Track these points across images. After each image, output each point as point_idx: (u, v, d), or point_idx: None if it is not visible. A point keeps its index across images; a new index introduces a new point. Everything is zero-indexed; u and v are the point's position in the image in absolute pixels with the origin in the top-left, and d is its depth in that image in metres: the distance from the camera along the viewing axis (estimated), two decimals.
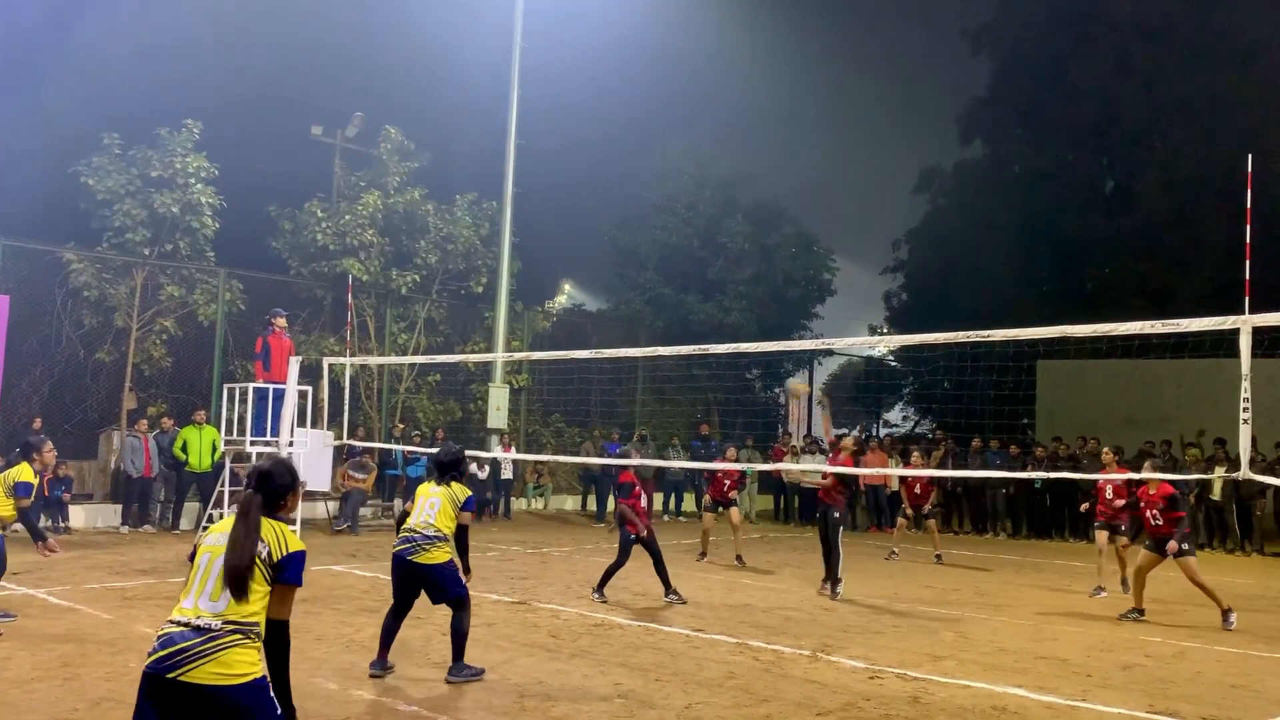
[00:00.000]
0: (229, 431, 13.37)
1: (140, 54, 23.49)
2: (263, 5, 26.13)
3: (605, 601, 10.17)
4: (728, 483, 14.11)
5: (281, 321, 13.83)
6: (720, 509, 14.18)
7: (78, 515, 15.12)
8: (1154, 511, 10.18)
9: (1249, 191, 7.83)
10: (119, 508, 15.32)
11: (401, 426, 19.07)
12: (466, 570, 7.03)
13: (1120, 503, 11.68)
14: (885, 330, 32.62)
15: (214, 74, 24.47)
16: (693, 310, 25.89)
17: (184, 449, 15.39)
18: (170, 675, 3.38)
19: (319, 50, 27.26)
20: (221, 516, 13.23)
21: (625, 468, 10.82)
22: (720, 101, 34.20)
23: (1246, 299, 7.55)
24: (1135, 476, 10.67)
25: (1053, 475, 14.83)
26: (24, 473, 7.86)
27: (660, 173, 28.02)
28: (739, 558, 13.67)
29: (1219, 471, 15.38)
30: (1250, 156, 7.92)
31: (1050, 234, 28.62)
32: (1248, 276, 7.51)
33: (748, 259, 26.72)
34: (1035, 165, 30.27)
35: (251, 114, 23.40)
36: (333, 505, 16.70)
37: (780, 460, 20.14)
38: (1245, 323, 7.54)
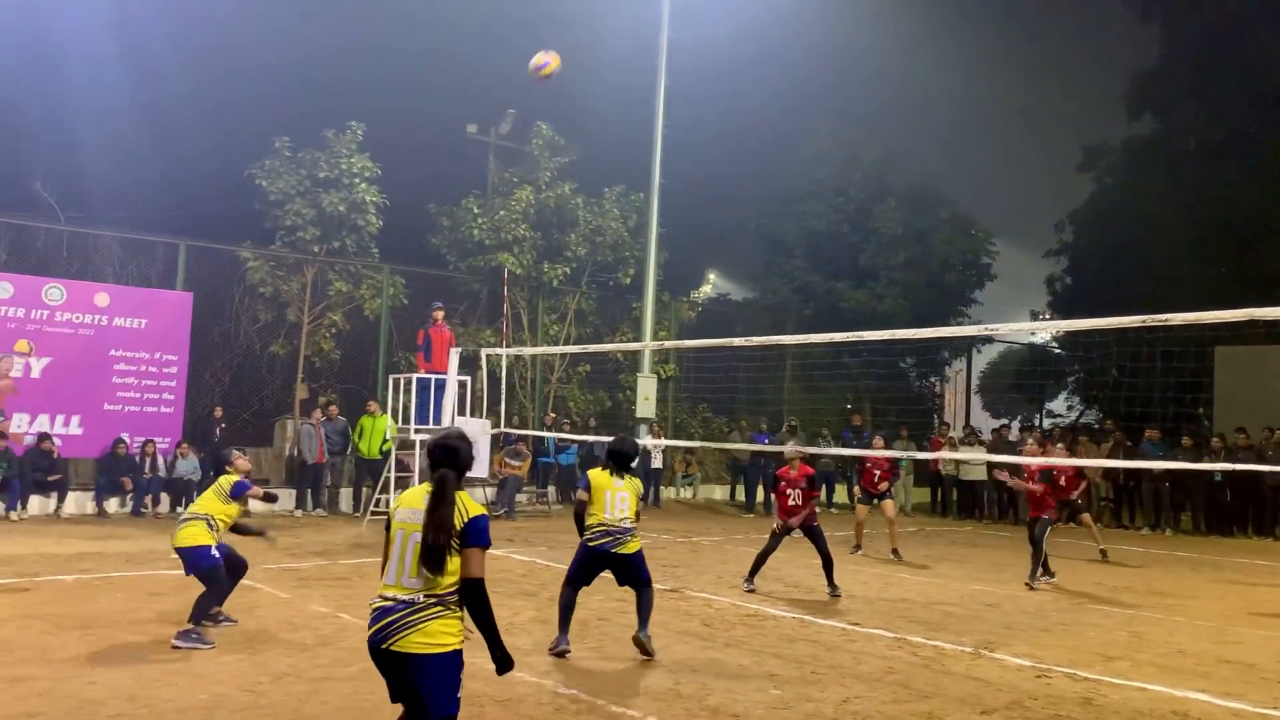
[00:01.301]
0: (394, 420, 13.94)
1: (305, 60, 24.68)
2: (418, 11, 27.03)
3: (753, 590, 10.15)
4: (878, 473, 13.69)
5: (440, 314, 14.32)
6: (874, 501, 13.80)
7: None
8: None
9: None
10: (293, 492, 16.18)
11: (554, 416, 19.46)
12: None
13: None
14: (1048, 316, 31.23)
15: (374, 78, 25.47)
16: (843, 297, 25.43)
17: (360, 435, 16.10)
18: (384, 646, 3.71)
19: (472, 51, 28.00)
20: (388, 502, 13.84)
21: (782, 461, 10.78)
22: (869, 84, 33.42)
23: None
24: None
25: (1234, 466, 13.86)
26: (236, 478, 7.89)
27: (808, 158, 27.61)
28: (895, 551, 13.32)
29: None
30: None
31: (1228, 213, 26.76)
32: None
33: (901, 244, 26.03)
34: (1211, 139, 28.34)
35: (410, 115, 24.24)
36: (490, 491, 17.19)
37: (938, 451, 19.59)
38: None
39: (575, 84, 27.99)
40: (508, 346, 16.96)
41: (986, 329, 17.29)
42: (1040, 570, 11.47)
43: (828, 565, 10.19)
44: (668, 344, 18.37)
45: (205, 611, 7.31)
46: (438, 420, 13.47)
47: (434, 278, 19.56)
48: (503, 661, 3.85)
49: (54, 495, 14.38)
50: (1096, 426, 23.70)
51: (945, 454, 18.76)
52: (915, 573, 12.23)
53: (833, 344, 15.69)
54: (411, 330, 16.99)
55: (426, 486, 3.87)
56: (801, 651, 7.61)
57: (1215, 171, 27.52)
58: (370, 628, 3.79)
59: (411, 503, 3.90)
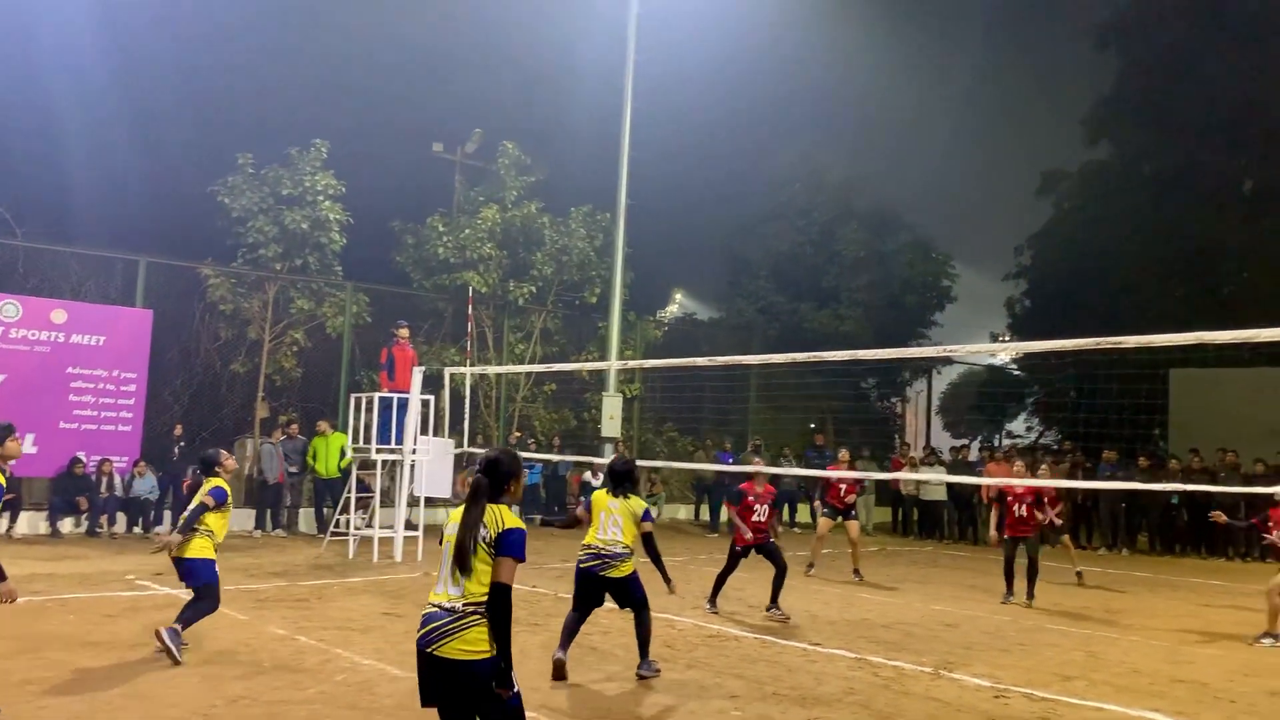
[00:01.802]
0: (355, 439, 13.83)
1: (270, 77, 24.56)
2: (383, 28, 27.01)
3: (716, 612, 10.15)
4: (844, 487, 13.65)
5: (404, 333, 14.24)
6: (839, 518, 13.70)
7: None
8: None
9: None
10: (253, 512, 15.99)
11: (519, 434, 19.41)
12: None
13: None
14: (1007, 337, 31.63)
15: (340, 95, 25.38)
16: (806, 318, 25.63)
17: (314, 456, 16.04)
18: (429, 650, 3.94)
19: (439, 69, 27.99)
20: (348, 522, 13.71)
21: (745, 476, 10.73)
22: (833, 108, 33.80)
23: None
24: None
25: (1191, 487, 14.07)
26: (218, 482, 7.78)
27: (773, 181, 27.88)
28: (856, 572, 13.32)
29: None
30: None
31: (1184, 238, 27.31)
32: None
33: (863, 266, 26.32)
34: (1167, 166, 28.93)
35: (376, 133, 24.20)
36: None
37: (899, 471, 19.75)
38: None
39: (542, 104, 28.10)
40: (472, 365, 16.89)
41: (945, 350, 17.49)
42: (1007, 589, 11.71)
43: (780, 580, 10.05)
44: (632, 363, 18.39)
45: (197, 618, 7.40)
46: (399, 440, 13.38)
47: (398, 296, 19.48)
48: (503, 678, 3.92)
49: (5, 515, 14.11)
50: (1055, 447, 24.01)
51: (906, 475, 18.89)
52: (876, 593, 12.31)
53: (796, 364, 15.76)
54: (374, 348, 16.89)
55: None
56: (762, 672, 7.63)
57: (1170, 197, 28.08)
58: (418, 631, 4.01)
59: (458, 517, 4.10)
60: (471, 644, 3.90)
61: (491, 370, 18.60)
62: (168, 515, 15.19)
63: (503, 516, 4.05)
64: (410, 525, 13.87)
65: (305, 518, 16.61)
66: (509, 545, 3.98)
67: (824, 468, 15.58)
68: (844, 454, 14.19)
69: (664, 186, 28.43)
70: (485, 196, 20.90)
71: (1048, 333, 26.44)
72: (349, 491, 13.74)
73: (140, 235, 18.61)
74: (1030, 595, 11.60)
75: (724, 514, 19.23)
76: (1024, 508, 11.76)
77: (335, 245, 17.95)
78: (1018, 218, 32.92)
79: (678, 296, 34.95)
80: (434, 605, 4.01)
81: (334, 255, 18.04)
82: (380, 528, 13.29)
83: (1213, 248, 27.16)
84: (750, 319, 25.64)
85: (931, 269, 27.68)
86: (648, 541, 7.41)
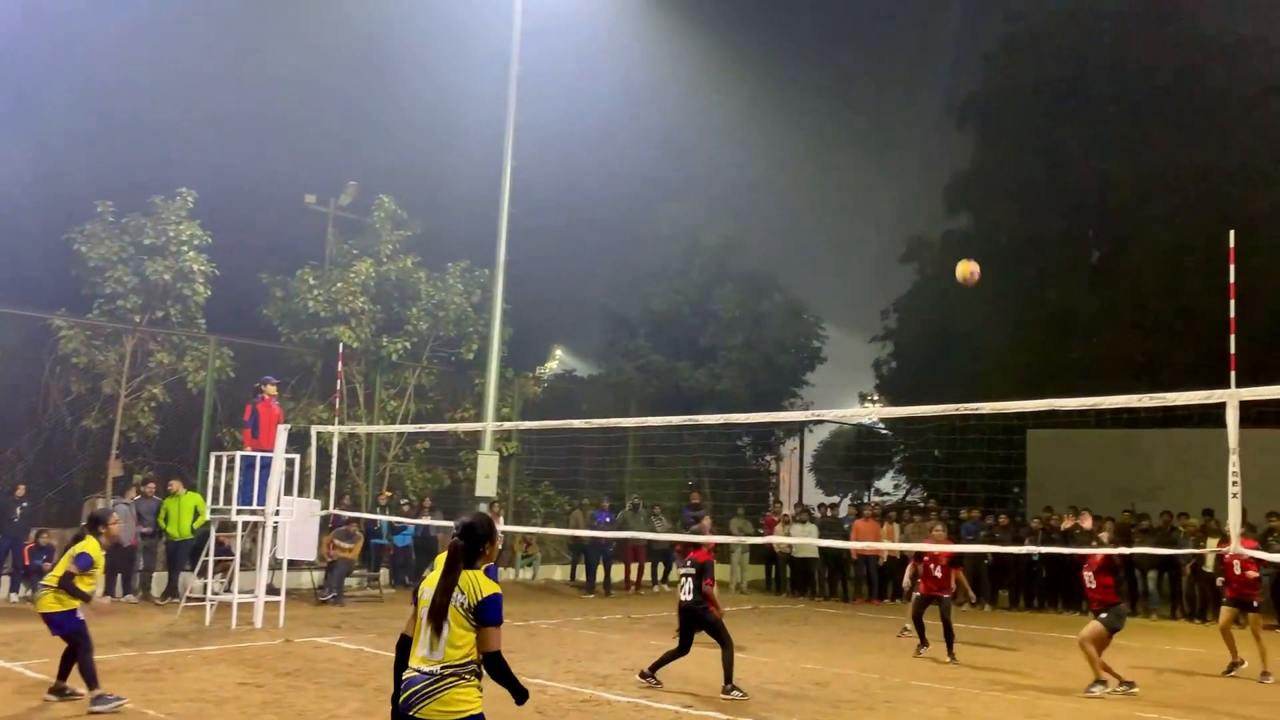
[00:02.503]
0: (215, 500, 13.24)
1: (136, 123, 23.74)
2: (258, 75, 26.50)
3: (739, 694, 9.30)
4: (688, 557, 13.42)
5: (271, 389, 13.77)
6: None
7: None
8: (1090, 574, 10.26)
9: (1231, 267, 7.91)
10: (102, 577, 15.08)
11: (389, 494, 18.93)
12: (521, 694, 7.08)
13: (1254, 575, 11.62)
14: (875, 398, 32.64)
15: (209, 142, 24.69)
16: (684, 377, 25.92)
17: (165, 518, 15.31)
18: (410, 713, 4.11)
19: (314, 119, 27.58)
20: (205, 587, 13.07)
21: (697, 545, 10.10)
22: (711, 171, 34.65)
23: (1233, 373, 7.60)
24: (1124, 551, 10.63)
25: (1051, 549, 14.71)
26: (89, 545, 7.98)
27: (652, 241, 28.28)
28: None
29: (1211, 544, 15.29)
30: (1232, 233, 8.02)
31: (1038, 305, 28.81)
32: (1233, 351, 7.57)
33: (739, 326, 26.85)
34: (1022, 236, 30.56)
35: (246, 183, 23.55)
36: (318, 575, 16.49)
37: (771, 529, 19.98)
38: (1232, 396, 7.57)
39: (421, 158, 27.93)
40: (341, 423, 16.45)
41: (814, 414, 18.01)
42: (920, 641, 12.28)
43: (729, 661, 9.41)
44: (507, 425, 18.25)
45: (93, 670, 7.65)
46: (262, 501, 12.87)
47: (264, 350, 18.88)
48: (520, 693, 4.30)
49: None
50: (921, 505, 24.73)
51: (775, 538, 19.13)
52: (749, 652, 12.33)
53: (673, 426, 15.95)
54: (238, 404, 16.27)
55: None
56: None
57: (1026, 266, 29.63)
58: (400, 695, 4.19)
59: (433, 583, 4.23)
60: (450, 705, 4.08)
61: (361, 429, 18.15)
62: (6, 580, 14.23)
63: (480, 583, 4.18)
64: (272, 590, 13.31)
65: (159, 582, 15.77)
66: (490, 613, 4.16)
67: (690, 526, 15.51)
68: (705, 521, 13.85)
69: (544, 243, 28.49)
70: (359, 250, 20.53)
71: (912, 393, 27.45)
72: (207, 554, 13.12)
73: None
74: (950, 655, 11.90)
75: (597, 573, 19.08)
76: (939, 568, 12.18)
77: (199, 297, 17.35)
78: (885, 282, 34.23)
79: (558, 353, 34.93)
80: (414, 669, 4.16)
81: (197, 307, 17.42)
82: (240, 592, 12.71)
83: (1064, 315, 28.70)
84: (629, 376, 25.79)
85: (803, 330, 28.44)
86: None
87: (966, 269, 11.41)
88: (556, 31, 22.22)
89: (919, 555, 12.75)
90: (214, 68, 26.17)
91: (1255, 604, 11.86)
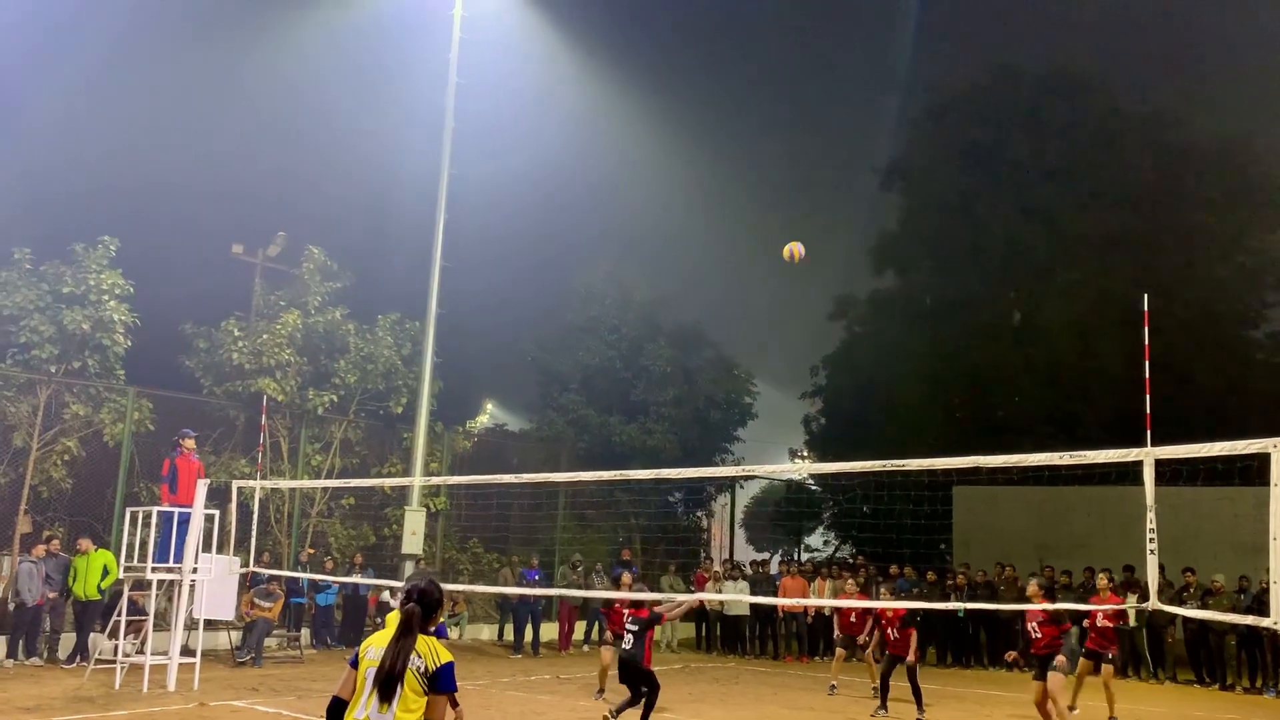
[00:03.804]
0: (130, 557, 12.76)
1: (57, 167, 23.26)
2: (184, 122, 26.21)
3: None
4: (626, 613, 13.31)
5: (190, 443, 13.39)
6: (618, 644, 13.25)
7: None
8: (1034, 624, 10.50)
9: (1145, 329, 8.18)
10: (4, 639, 14.41)
11: (311, 552, 18.45)
12: None
13: (1111, 628, 12.10)
14: (805, 453, 32.90)
15: (134, 190, 24.27)
16: (615, 432, 25.87)
17: (74, 577, 14.69)
18: None
19: (242, 169, 27.30)
20: (117, 648, 12.54)
21: (640, 603, 11.11)
22: (642, 228, 35.11)
23: (1148, 432, 7.82)
24: (1050, 607, 10.82)
25: (978, 606, 14.93)
26: None
27: (584, 295, 28.34)
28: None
29: (1130, 599, 15.63)
30: (1146, 296, 8.31)
31: (962, 362, 29.47)
32: (1148, 410, 7.79)
33: (670, 381, 26.93)
34: (945, 296, 31.32)
35: (171, 232, 23.21)
36: (235, 635, 15.94)
37: (702, 586, 19.90)
38: (1148, 454, 7.78)
39: (352, 210, 27.77)
40: (264, 477, 16.05)
41: (745, 470, 18.08)
42: (881, 703, 12.41)
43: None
44: (435, 480, 17.96)
45: None
46: (178, 558, 12.44)
47: (186, 402, 18.38)
48: None
49: None
50: (850, 561, 24.88)
51: (709, 594, 19.07)
52: (678, 711, 12.20)
53: (603, 481, 15.88)
54: (157, 458, 15.78)
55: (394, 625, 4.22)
56: None
57: (949, 325, 30.34)
58: None
59: (380, 642, 4.16)
60: None
61: (284, 484, 17.72)
62: None
63: (436, 650, 4.17)
64: (187, 650, 12.83)
65: (67, 644, 15.08)
66: (444, 682, 4.14)
67: (615, 584, 15.33)
68: (625, 577, 13.36)
69: (476, 297, 28.43)
70: (287, 301, 20.20)
71: (841, 449, 27.78)
72: (118, 614, 12.61)
73: None
74: (920, 711, 12.10)
75: (525, 632, 18.76)
76: (894, 630, 12.50)
77: (119, 347, 16.88)
78: (813, 339, 34.75)
79: (489, 406, 34.65)
80: None
81: (117, 358, 16.93)
82: (153, 653, 12.22)
83: (987, 373, 29.38)
84: (560, 431, 25.64)
85: (734, 386, 28.62)
86: None
87: (790, 249, 11.89)
88: (490, 87, 22.43)
89: (878, 620, 13.01)
90: (141, 112, 25.84)
91: (1110, 656, 12.45)
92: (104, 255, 16.89)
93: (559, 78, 23.98)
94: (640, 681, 10.37)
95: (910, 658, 12.32)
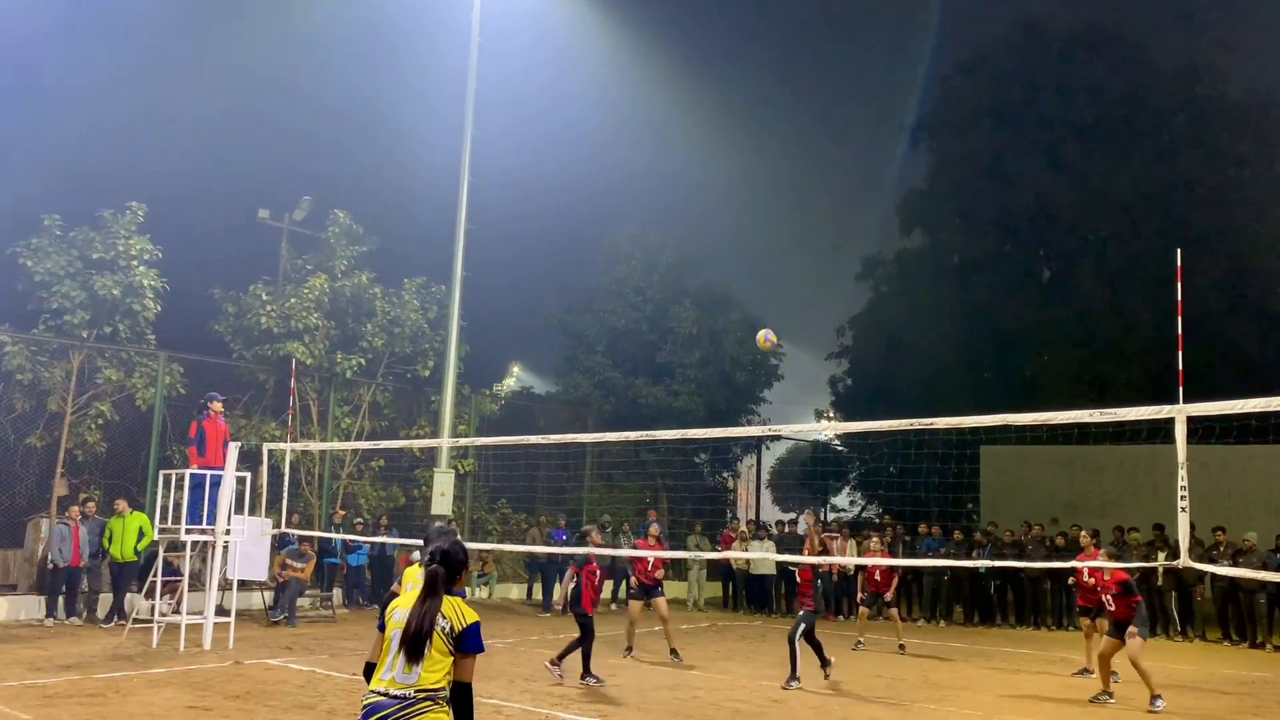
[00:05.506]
0: (164, 519, 12.97)
1: (85, 135, 23.37)
2: (211, 88, 26.24)
3: (601, 682, 10.69)
4: (650, 562, 13.25)
5: (217, 405, 13.53)
6: (646, 597, 13.28)
7: None
8: (1109, 597, 10.37)
9: (1179, 285, 8.07)
10: (44, 599, 14.72)
11: (343, 513, 18.67)
12: None
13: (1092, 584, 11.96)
14: (831, 414, 32.85)
15: (160, 156, 24.38)
16: (641, 394, 25.89)
17: (110, 538, 14.96)
18: None
19: (268, 134, 27.34)
20: (153, 608, 12.78)
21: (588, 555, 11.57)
22: (668, 188, 34.89)
23: (1180, 389, 7.73)
24: (1092, 564, 10.80)
25: (1000, 563, 14.92)
26: None
27: (609, 257, 28.25)
28: (674, 652, 12.80)
29: (1160, 558, 15.55)
30: (1179, 252, 8.18)
31: (990, 322, 29.24)
32: (1180, 367, 7.70)
33: (696, 343, 26.86)
34: (973, 255, 31.03)
35: (198, 197, 23.29)
36: (269, 595, 16.20)
37: (729, 546, 19.99)
38: (1180, 412, 7.69)
39: (377, 174, 27.77)
40: (294, 440, 16.20)
41: (771, 430, 18.05)
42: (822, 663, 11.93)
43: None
44: (464, 440, 18.07)
45: None
46: (211, 520, 12.63)
47: (216, 366, 18.55)
48: None
49: None
50: (877, 521, 24.89)
51: (733, 553, 19.19)
52: (705, 671, 12.31)
53: (630, 441, 15.91)
54: (188, 422, 16.00)
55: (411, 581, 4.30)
56: None
57: (977, 284, 30.08)
58: None
59: (406, 604, 4.19)
60: None
61: (314, 446, 17.89)
62: None
63: (463, 611, 4.18)
64: (221, 610, 13.05)
65: (105, 604, 15.39)
66: (471, 641, 4.17)
67: (638, 539, 15.48)
68: (654, 529, 13.80)
69: (501, 260, 28.50)
70: (313, 265, 20.30)
71: (868, 410, 27.64)
72: (154, 575, 12.84)
73: None
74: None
75: (554, 591, 18.95)
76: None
77: (149, 312, 17.03)
78: (840, 300, 34.56)
79: (515, 369, 34.75)
80: (379, 694, 4.09)
81: (147, 323, 17.10)
82: (188, 613, 12.45)
83: (1015, 332, 29.14)
84: (586, 393, 25.70)
85: (760, 347, 28.52)
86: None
87: (764, 336, 12.64)
88: (515, 50, 22.27)
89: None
90: (166, 80, 25.87)
91: (1095, 613, 12.14)
92: (132, 221, 16.99)
93: (585, 38, 23.75)
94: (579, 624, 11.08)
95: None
